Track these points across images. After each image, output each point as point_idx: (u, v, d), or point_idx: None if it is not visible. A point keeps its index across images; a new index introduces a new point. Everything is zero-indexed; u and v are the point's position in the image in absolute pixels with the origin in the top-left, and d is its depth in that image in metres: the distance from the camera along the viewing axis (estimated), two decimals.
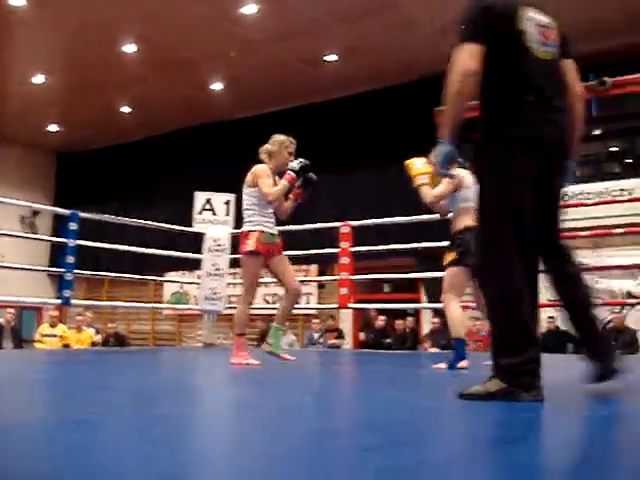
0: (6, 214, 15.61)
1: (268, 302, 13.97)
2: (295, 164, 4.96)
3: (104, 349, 10.73)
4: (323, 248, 8.70)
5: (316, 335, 12.27)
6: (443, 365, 4.71)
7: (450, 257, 4.86)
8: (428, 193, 4.87)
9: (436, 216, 8.38)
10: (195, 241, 9.56)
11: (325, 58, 12.31)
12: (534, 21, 2.74)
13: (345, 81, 12.91)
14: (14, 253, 14.59)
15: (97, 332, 12.29)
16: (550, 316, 11.00)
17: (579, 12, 10.24)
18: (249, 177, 4.96)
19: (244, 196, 5.02)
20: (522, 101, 2.73)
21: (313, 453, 1.63)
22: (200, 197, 8.84)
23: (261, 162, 5.07)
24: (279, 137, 5.23)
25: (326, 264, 13.15)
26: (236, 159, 13.80)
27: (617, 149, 12.34)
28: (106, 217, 8.52)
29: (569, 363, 6.85)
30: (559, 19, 2.85)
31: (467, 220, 4.68)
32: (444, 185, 4.82)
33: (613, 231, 8.48)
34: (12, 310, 11.86)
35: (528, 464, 1.51)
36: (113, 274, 9.58)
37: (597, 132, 12.41)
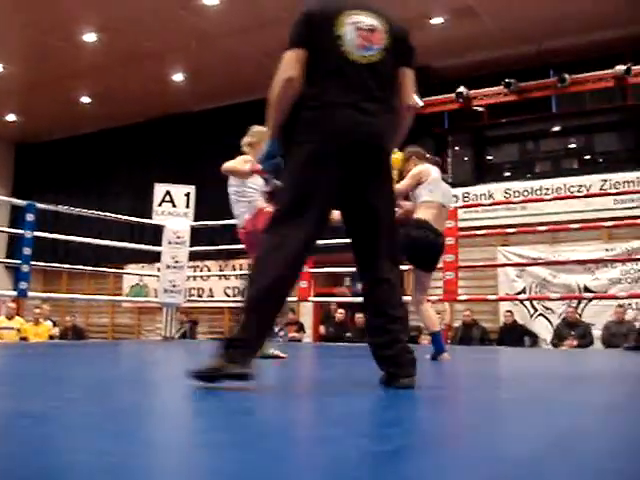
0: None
1: (229, 295, 13.94)
2: (249, 140, 5.16)
3: (62, 342, 10.63)
4: None
5: (276, 329, 12.25)
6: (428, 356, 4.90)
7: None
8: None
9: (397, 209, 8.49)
10: (155, 233, 9.51)
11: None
12: (357, 25, 2.76)
13: None
14: None
15: (55, 325, 12.16)
16: (508, 310, 11.13)
17: (540, 10, 10.37)
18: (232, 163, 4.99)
19: (233, 189, 5.02)
20: (328, 103, 2.74)
21: (268, 444, 1.64)
22: (160, 189, 8.78)
23: (244, 154, 5.11)
24: (258, 128, 5.19)
25: None
26: (196, 151, 13.75)
27: (575, 146, 12.51)
28: (63, 208, 8.41)
29: (508, 356, 6.95)
30: (393, 23, 2.86)
31: (421, 214, 4.81)
32: (408, 181, 4.90)
33: (570, 226, 8.60)
34: None
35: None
36: (71, 266, 9.47)
37: (556, 129, 12.57)
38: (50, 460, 1.39)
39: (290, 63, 2.78)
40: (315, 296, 8.91)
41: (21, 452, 1.46)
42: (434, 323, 4.94)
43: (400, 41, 2.86)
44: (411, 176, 4.88)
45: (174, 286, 8.07)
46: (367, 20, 2.79)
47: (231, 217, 7.38)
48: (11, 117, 16.58)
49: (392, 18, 2.87)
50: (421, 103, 12.24)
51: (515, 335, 10.83)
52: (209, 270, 14.00)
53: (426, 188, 4.85)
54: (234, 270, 13.94)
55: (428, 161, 5.08)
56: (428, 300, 5.21)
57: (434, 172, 4.92)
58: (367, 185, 2.75)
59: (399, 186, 4.85)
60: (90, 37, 11.74)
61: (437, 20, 11.04)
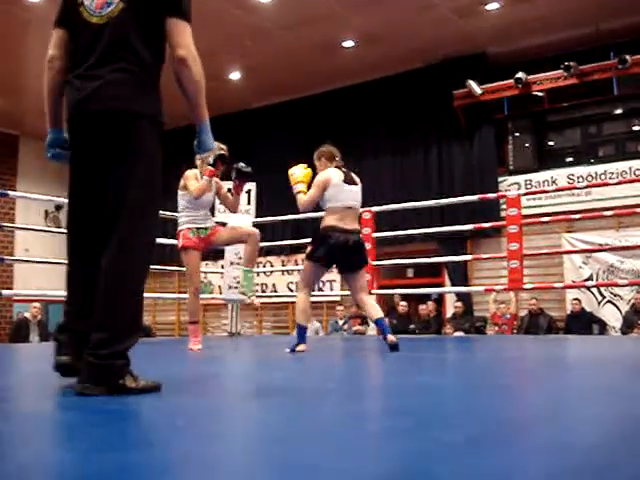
0: (30, 209, 15.78)
1: (292, 290, 14.01)
2: (210, 159, 5.31)
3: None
4: None
5: (340, 322, 12.30)
6: (287, 350, 4.95)
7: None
8: (299, 201, 5.10)
9: (458, 200, 8.43)
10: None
11: (342, 44, 12.27)
12: None
13: (363, 67, 12.85)
14: (39, 247, 14.71)
15: None
16: (575, 298, 10.94)
17: None
18: (181, 182, 5.52)
19: (178, 199, 5.58)
20: (69, 78, 2.58)
21: (340, 436, 1.65)
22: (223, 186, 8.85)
23: (195, 167, 5.58)
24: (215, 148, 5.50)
25: None
26: (255, 148, 13.84)
27: (639, 128, 12.20)
28: None
29: (580, 344, 6.82)
30: None
31: (327, 221, 4.97)
32: (312, 190, 5.02)
33: (637, 210, 8.40)
34: (38, 304, 12.00)
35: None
36: None
37: (618, 111, 12.28)
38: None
39: (49, 45, 2.66)
40: (378, 288, 8.87)
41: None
42: (300, 317, 5.03)
43: None
44: (315, 185, 5.02)
45: (238, 282, 8.14)
46: None
47: (292, 213, 7.47)
48: None
49: None
50: (479, 90, 12.12)
51: (583, 323, 10.65)
52: (272, 266, 14.09)
53: (328, 195, 4.97)
54: (296, 265, 14.00)
55: (336, 163, 5.13)
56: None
57: (335, 177, 4.98)
58: (106, 158, 2.49)
59: (307, 197, 5.04)
60: None
61: (492, 6, 10.88)
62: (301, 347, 4.90)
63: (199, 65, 2.58)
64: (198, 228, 5.46)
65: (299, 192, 5.10)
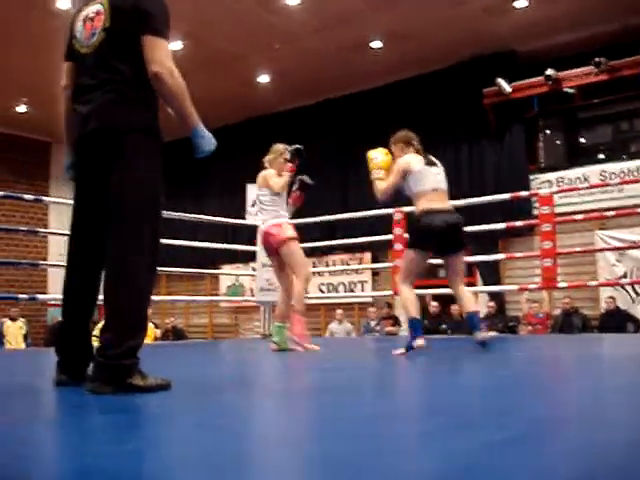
0: (63, 214, 15.85)
1: (323, 291, 14.03)
2: (288, 155, 5.54)
3: (165, 343, 10.90)
4: (376, 235, 8.71)
5: (373, 323, 12.28)
6: (401, 350, 4.72)
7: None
8: (378, 188, 5.02)
9: (492, 198, 8.37)
10: (248, 233, 9.66)
11: (370, 45, 12.26)
12: (85, 17, 2.82)
13: (391, 67, 12.84)
14: None
15: (156, 327, 12.50)
16: (610, 296, 10.82)
17: None
18: (259, 180, 5.65)
19: (260, 198, 5.68)
20: (72, 105, 2.85)
21: (375, 436, 1.65)
22: (252, 189, 8.90)
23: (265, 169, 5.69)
24: (277, 146, 5.74)
25: (380, 251, 13.14)
26: None
27: None
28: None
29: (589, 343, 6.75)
30: None
31: (419, 206, 4.84)
32: (392, 178, 4.93)
33: None
34: None
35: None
36: (170, 269, 9.69)
37: None
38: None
39: (62, 74, 2.94)
40: None
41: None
42: (410, 309, 4.80)
43: (126, 13, 2.70)
44: (395, 172, 4.92)
45: (270, 284, 8.16)
46: (93, 8, 2.80)
47: (321, 214, 7.50)
48: None
49: None
50: (509, 89, 12.05)
51: (617, 322, 10.52)
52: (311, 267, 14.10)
53: (412, 180, 4.86)
54: (327, 266, 14.02)
55: (414, 148, 5.04)
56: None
57: (415, 163, 4.89)
58: (106, 171, 2.67)
59: (387, 184, 4.96)
60: (176, 45, 11.99)
61: (521, 3, 10.82)
62: (419, 342, 4.67)
63: (177, 78, 2.70)
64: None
65: (378, 179, 5.02)
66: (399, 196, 5.18)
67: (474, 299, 4.89)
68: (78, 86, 2.82)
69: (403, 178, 4.89)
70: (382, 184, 4.99)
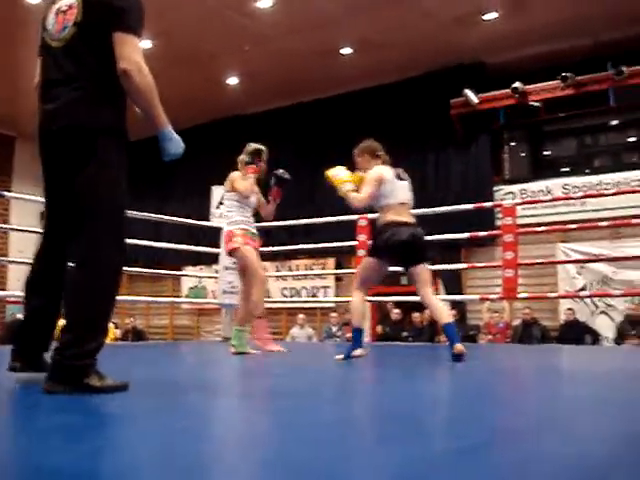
0: (25, 210, 15.73)
1: (286, 296, 14.01)
2: (247, 157, 5.51)
3: (125, 344, 10.79)
4: (340, 241, 8.71)
5: (334, 328, 12.28)
6: (341, 356, 4.74)
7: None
8: (355, 199, 4.98)
9: (455, 208, 8.42)
10: (212, 235, 9.60)
11: (341, 51, 12.30)
12: (57, 10, 2.76)
13: (360, 74, 12.88)
14: (33, 249, 14.60)
15: (116, 327, 12.37)
16: (569, 308, 10.95)
17: (593, 2, 10.20)
18: (226, 184, 5.58)
19: (224, 201, 5.73)
20: (38, 99, 2.80)
21: (332, 441, 1.65)
22: (217, 191, 8.88)
23: (238, 170, 5.62)
24: (248, 146, 5.67)
25: (343, 257, 13.16)
26: None
27: (635, 139, 12.23)
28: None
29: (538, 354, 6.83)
30: None
31: (386, 218, 4.86)
32: (368, 188, 4.91)
33: (632, 221, 8.42)
34: None
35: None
36: (131, 268, 9.60)
37: (614, 122, 12.33)
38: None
39: (35, 72, 2.88)
40: (372, 295, 8.85)
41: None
42: (355, 318, 4.86)
43: (99, 8, 2.65)
44: (369, 182, 4.89)
45: (233, 287, 8.13)
46: (66, 1, 2.74)
47: (291, 218, 7.51)
48: None
49: None
50: (476, 100, 12.16)
51: (576, 333, 10.64)
52: (266, 271, 14.07)
53: (383, 192, 4.88)
54: (290, 271, 14.01)
55: (380, 159, 5.06)
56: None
57: (387, 173, 4.92)
58: (72, 169, 2.66)
59: (363, 194, 4.92)
60: (146, 44, 11.91)
61: (490, 15, 10.93)
62: (358, 352, 4.72)
63: (146, 75, 2.64)
64: (251, 232, 5.59)
65: (349, 191, 4.98)
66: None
67: (447, 309, 4.87)
68: (46, 80, 2.77)
69: (379, 187, 4.88)
70: (357, 195, 4.96)
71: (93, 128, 2.63)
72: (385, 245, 4.79)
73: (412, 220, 4.93)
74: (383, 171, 4.93)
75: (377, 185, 4.88)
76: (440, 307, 4.81)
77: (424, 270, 4.88)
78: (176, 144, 2.83)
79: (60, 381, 2.49)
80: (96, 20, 2.65)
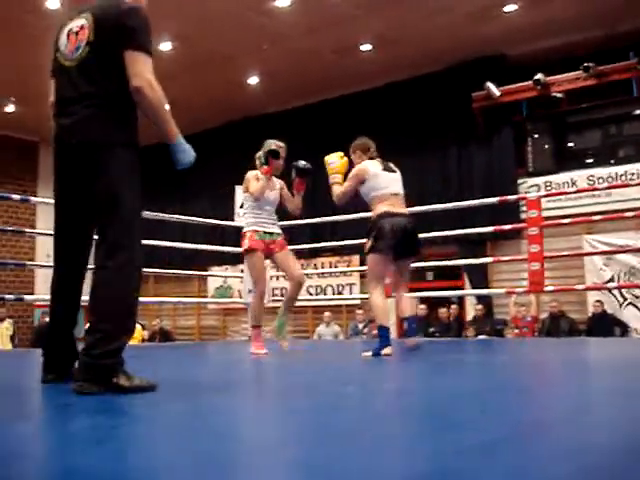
0: (51, 214, 15.85)
1: (311, 294, 14.02)
2: (262, 157, 5.50)
3: (153, 345, 10.87)
4: (364, 238, 8.69)
5: (360, 325, 12.28)
6: (369, 353, 4.72)
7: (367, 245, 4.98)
8: (335, 193, 5.08)
9: (480, 202, 8.37)
10: (237, 235, 9.64)
11: (360, 48, 12.28)
12: (69, 31, 2.90)
13: (380, 70, 12.85)
14: None
15: (143, 328, 12.46)
16: (597, 300, 10.87)
17: None
18: (243, 184, 5.57)
19: (243, 202, 5.76)
20: (54, 116, 2.93)
21: (358, 438, 1.65)
22: (239, 191, 8.88)
23: (255, 168, 5.60)
24: (268, 142, 5.65)
25: None
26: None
27: None
28: (149, 214, 8.58)
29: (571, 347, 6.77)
30: (102, 13, 2.83)
31: (377, 210, 4.88)
32: (348, 182, 4.99)
33: None
34: None
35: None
36: (157, 270, 9.66)
37: (638, 112, 12.19)
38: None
39: (49, 92, 3.02)
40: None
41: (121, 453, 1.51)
42: (379, 317, 4.82)
43: (110, 28, 2.78)
44: (350, 178, 4.99)
45: None
46: (78, 22, 2.87)
47: (309, 217, 7.51)
48: None
49: (105, 7, 2.85)
50: (498, 92, 12.09)
51: (604, 325, 10.57)
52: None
53: (370, 185, 4.92)
54: (315, 269, 14.02)
55: (370, 154, 5.10)
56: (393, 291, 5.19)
57: (372, 167, 4.95)
58: (88, 182, 2.76)
59: (342, 189, 5.03)
60: (166, 46, 11.97)
61: (510, 7, 10.86)
62: (387, 350, 4.65)
63: (157, 91, 2.80)
64: (264, 232, 5.47)
65: (335, 183, 5.07)
66: (358, 200, 5.20)
67: (414, 305, 4.86)
68: (61, 98, 2.89)
69: (360, 183, 4.95)
70: (339, 188, 5.06)
71: (106, 143, 2.75)
72: (380, 236, 4.78)
73: (406, 211, 4.95)
74: (367, 165, 4.97)
75: (356, 181, 4.95)
76: (408, 300, 4.92)
77: (408, 265, 5.00)
78: (188, 154, 2.92)
79: (90, 381, 2.54)
80: (108, 39, 2.78)
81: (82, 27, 2.83)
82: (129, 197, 2.76)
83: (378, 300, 4.82)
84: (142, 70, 2.74)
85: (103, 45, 2.78)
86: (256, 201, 5.44)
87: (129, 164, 2.79)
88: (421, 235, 8.58)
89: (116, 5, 2.81)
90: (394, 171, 5.07)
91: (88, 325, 2.65)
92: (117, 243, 2.71)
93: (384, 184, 4.92)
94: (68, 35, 2.88)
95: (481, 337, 10.56)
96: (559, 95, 12.12)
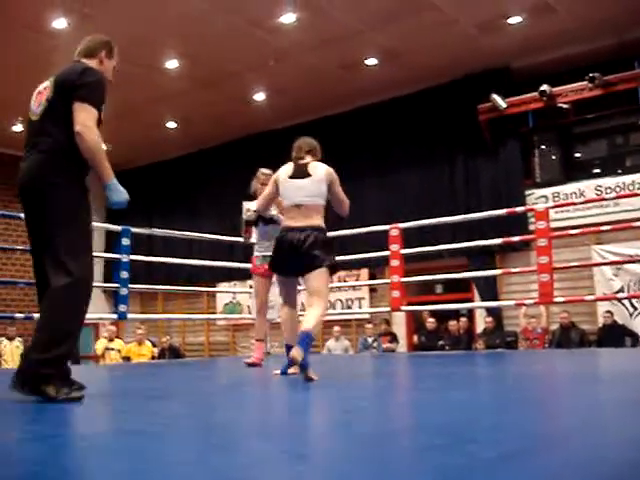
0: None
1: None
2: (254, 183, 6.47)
3: (163, 362, 10.86)
4: (373, 252, 8.70)
5: (370, 339, 12.26)
6: (277, 371, 4.63)
7: None
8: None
9: (488, 214, 8.36)
10: (245, 251, 9.64)
11: (365, 62, 12.31)
12: (36, 94, 3.39)
13: (386, 84, 12.88)
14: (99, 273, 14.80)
15: (154, 345, 12.46)
16: (607, 310, 10.82)
17: (618, 1, 10.12)
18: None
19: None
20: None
21: (370, 452, 1.64)
22: (247, 207, 8.89)
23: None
24: (258, 173, 6.61)
25: (377, 268, 13.13)
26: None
27: None
28: (158, 231, 8.63)
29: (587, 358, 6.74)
30: (61, 75, 3.31)
31: (284, 221, 4.69)
32: (265, 189, 4.99)
33: None
34: None
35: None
36: (166, 287, 9.68)
37: None
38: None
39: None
40: (407, 305, 8.82)
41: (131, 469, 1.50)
42: (285, 334, 4.62)
43: (64, 86, 3.24)
44: (269, 183, 4.94)
45: (268, 302, 8.13)
46: (44, 84, 3.38)
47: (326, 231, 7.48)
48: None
49: (66, 70, 3.33)
50: (504, 104, 12.09)
51: (615, 336, 10.51)
52: (300, 285, 14.06)
53: (281, 194, 4.65)
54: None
55: (296, 156, 4.86)
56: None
57: (282, 174, 4.66)
58: (31, 215, 3.28)
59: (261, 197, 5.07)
60: (172, 64, 12.04)
61: (515, 19, 10.88)
62: (291, 369, 4.34)
63: (95, 137, 3.20)
64: (264, 256, 5.86)
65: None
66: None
67: (316, 321, 4.25)
68: (25, 146, 3.34)
69: (276, 188, 4.70)
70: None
71: (52, 184, 3.16)
72: (276, 248, 4.55)
73: (307, 224, 4.43)
74: (280, 171, 4.71)
75: (271, 186, 4.78)
76: (310, 314, 4.29)
77: (313, 278, 4.45)
78: (120, 194, 3.27)
79: (22, 383, 2.92)
80: (62, 96, 3.23)
81: (45, 88, 3.34)
82: (71, 229, 3.15)
83: (280, 319, 4.81)
84: (84, 118, 3.16)
85: (57, 101, 3.23)
86: (260, 222, 6.03)
87: (69, 202, 3.18)
88: (428, 248, 8.66)
89: (75, 67, 3.31)
90: (307, 175, 4.61)
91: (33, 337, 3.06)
92: (57, 267, 3.09)
93: (287, 193, 4.58)
94: (36, 95, 3.38)
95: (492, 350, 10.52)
96: (565, 106, 12.11)
